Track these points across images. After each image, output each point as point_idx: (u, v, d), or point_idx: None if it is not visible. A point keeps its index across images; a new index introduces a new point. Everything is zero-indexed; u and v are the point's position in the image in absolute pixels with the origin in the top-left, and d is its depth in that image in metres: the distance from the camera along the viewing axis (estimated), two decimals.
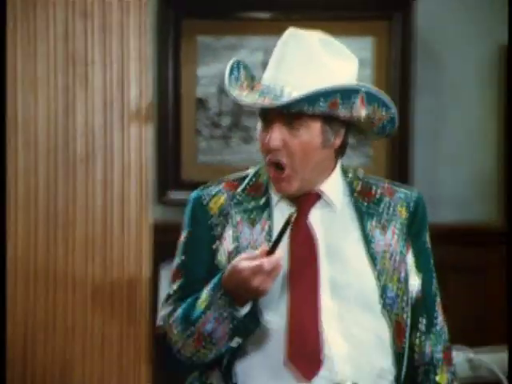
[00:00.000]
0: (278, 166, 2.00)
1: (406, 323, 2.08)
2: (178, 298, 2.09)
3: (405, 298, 2.07)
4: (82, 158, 2.05)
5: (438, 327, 2.15)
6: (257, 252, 1.85)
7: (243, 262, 1.82)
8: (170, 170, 4.30)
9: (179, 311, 2.03)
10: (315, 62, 1.98)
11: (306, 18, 4.17)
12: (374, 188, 2.15)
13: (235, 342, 1.95)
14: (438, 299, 2.17)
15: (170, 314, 2.05)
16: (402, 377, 2.11)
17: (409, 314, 2.08)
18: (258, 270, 1.79)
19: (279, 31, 3.64)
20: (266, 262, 1.78)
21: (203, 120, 4.38)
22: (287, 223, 1.86)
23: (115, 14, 2.11)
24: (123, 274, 1.94)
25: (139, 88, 2.16)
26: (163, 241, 3.23)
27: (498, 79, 4.27)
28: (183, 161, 4.33)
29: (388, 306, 2.04)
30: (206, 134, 4.41)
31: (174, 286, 2.13)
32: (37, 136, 1.98)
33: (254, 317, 1.95)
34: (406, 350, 2.11)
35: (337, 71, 1.99)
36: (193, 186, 4.25)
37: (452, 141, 4.13)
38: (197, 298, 1.98)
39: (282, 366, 1.98)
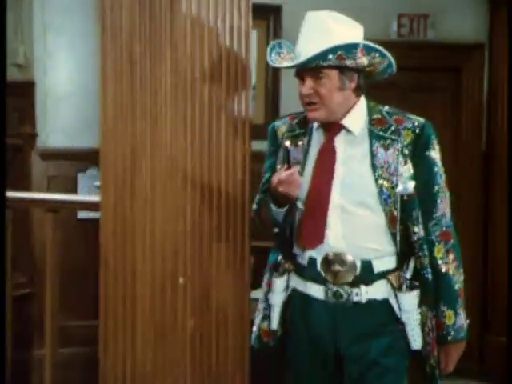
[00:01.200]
0: (311, 104, 2.29)
1: (397, 214, 2.30)
2: (263, 189, 2.53)
3: (395, 197, 2.29)
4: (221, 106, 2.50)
5: (437, 215, 2.35)
6: (284, 169, 2.25)
7: (275, 175, 2.26)
8: None
9: (257, 199, 2.55)
10: (327, 31, 2.24)
11: None
12: (388, 118, 2.36)
13: (275, 230, 2.50)
14: (441, 195, 2.35)
15: (255, 201, 2.56)
16: (399, 250, 2.35)
17: (398, 208, 2.30)
18: (279, 180, 2.20)
19: None
20: (283, 175, 2.20)
21: None
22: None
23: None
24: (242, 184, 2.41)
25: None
26: None
27: None
28: None
29: (384, 201, 2.29)
30: None
31: (263, 180, 2.56)
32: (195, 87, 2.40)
33: (286, 219, 2.38)
34: (398, 232, 2.32)
35: (344, 36, 2.22)
36: None
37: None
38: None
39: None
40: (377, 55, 2.26)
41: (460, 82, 5.14)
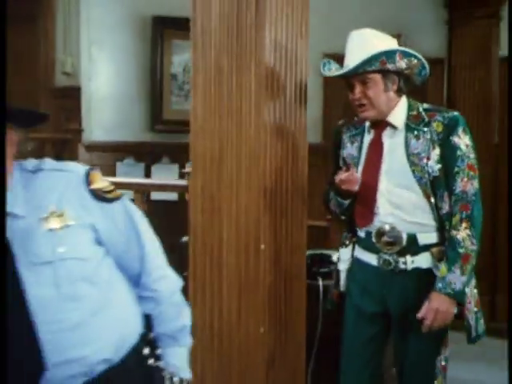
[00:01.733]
0: (361, 105, 2.34)
1: (429, 192, 2.32)
2: (329, 181, 2.56)
3: (426, 178, 2.32)
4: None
5: (457, 191, 2.31)
6: (344, 170, 2.37)
7: (337, 176, 2.37)
8: (158, 112, 4.87)
9: (326, 192, 2.59)
10: (369, 45, 2.30)
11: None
12: (422, 114, 2.38)
13: (342, 216, 2.59)
14: (461, 175, 2.31)
15: (326, 192, 2.60)
16: (435, 224, 2.35)
17: (429, 187, 2.32)
18: (341, 180, 2.32)
19: None
20: (344, 176, 2.32)
21: (174, 86, 4.98)
22: None
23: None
24: None
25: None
26: None
27: None
28: (164, 107, 4.95)
29: (418, 182, 2.32)
30: (176, 93, 5.04)
31: (331, 172, 2.60)
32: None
33: (348, 208, 2.46)
34: (432, 206, 2.33)
35: (383, 47, 2.29)
36: (168, 121, 4.85)
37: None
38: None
39: None
40: (412, 58, 2.31)
41: (425, 88, 5.23)
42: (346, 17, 4.74)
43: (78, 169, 1.61)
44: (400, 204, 2.36)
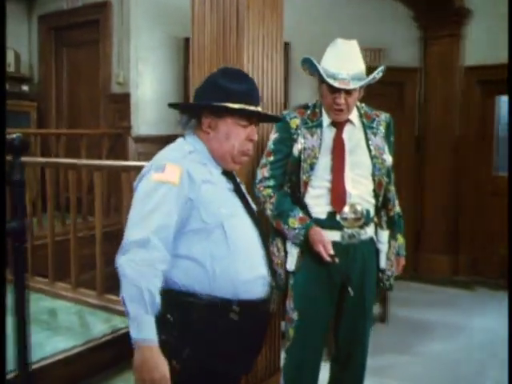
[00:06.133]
0: (341, 110, 2.21)
1: (383, 181, 2.31)
2: (270, 168, 2.35)
3: (383, 169, 2.29)
4: None
5: (391, 179, 2.36)
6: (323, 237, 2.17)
7: (321, 245, 2.19)
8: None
9: (276, 201, 2.31)
10: (356, 56, 2.21)
11: None
12: (370, 113, 2.34)
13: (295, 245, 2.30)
14: (392, 165, 2.36)
15: (268, 195, 2.33)
16: (380, 204, 2.35)
17: (385, 176, 2.30)
18: (325, 247, 2.17)
19: None
20: (329, 247, 2.17)
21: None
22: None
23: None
24: None
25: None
26: None
27: None
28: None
29: (376, 172, 2.28)
30: None
31: (270, 159, 2.35)
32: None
33: (306, 242, 2.23)
34: (382, 192, 2.33)
35: (363, 59, 2.22)
36: None
37: None
38: (291, 211, 2.27)
39: (329, 206, 2.25)
40: (381, 74, 2.26)
41: (403, 92, 5.51)
42: (332, 36, 4.81)
43: None
44: (360, 188, 2.29)
